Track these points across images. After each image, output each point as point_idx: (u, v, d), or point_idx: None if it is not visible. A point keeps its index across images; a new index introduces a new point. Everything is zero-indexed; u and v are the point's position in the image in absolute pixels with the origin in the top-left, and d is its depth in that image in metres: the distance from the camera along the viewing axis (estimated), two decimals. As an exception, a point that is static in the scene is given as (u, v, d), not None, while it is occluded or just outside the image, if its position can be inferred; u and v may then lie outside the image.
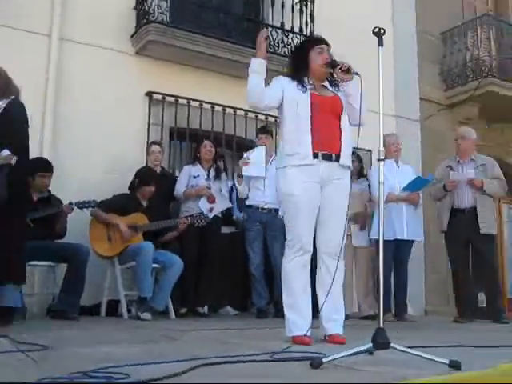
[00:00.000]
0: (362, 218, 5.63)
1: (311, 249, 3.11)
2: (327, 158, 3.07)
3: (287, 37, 6.68)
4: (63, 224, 4.70)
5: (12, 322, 3.66)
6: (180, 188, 5.37)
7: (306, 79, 3.19)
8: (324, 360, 2.14)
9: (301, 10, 6.91)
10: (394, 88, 8.01)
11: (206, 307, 5.32)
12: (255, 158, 5.19)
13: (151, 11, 5.89)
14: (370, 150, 6.84)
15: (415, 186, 5.25)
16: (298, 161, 3.05)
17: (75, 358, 2.31)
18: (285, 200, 3.13)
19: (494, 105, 8.23)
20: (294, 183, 3.05)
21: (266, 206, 5.25)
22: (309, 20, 6.92)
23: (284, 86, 3.17)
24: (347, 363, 2.22)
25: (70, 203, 4.70)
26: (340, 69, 3.09)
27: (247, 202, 5.33)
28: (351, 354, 2.25)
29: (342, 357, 2.21)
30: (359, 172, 5.76)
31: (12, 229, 3.48)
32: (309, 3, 6.97)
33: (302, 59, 3.24)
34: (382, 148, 2.53)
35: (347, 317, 4.98)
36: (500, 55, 8.54)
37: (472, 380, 1.93)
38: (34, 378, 1.72)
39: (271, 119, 6.63)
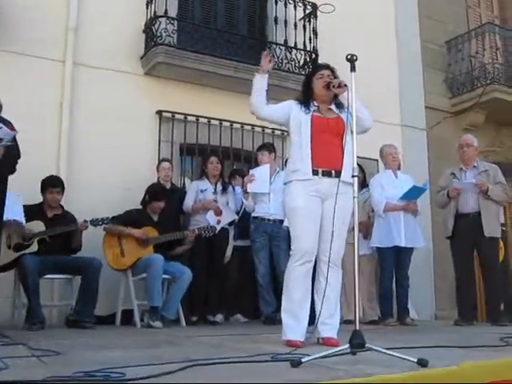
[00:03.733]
0: (364, 227, 5.80)
1: (313, 258, 3.34)
2: (327, 174, 3.31)
3: (291, 53, 6.91)
4: (79, 240, 4.97)
5: None
6: (188, 202, 5.64)
7: (311, 103, 3.48)
8: (303, 360, 2.37)
9: (304, 27, 7.14)
10: (399, 97, 8.17)
11: (219, 315, 5.50)
12: (260, 175, 5.44)
13: (159, 34, 6.18)
14: (376, 160, 7.03)
15: (411, 195, 5.39)
16: (300, 176, 3.32)
17: (82, 361, 2.57)
18: (289, 212, 3.43)
19: (501, 110, 8.37)
20: (298, 196, 3.32)
21: (270, 218, 5.46)
22: (312, 36, 7.11)
23: (292, 107, 3.48)
24: (326, 362, 2.43)
25: (85, 221, 4.93)
26: (333, 86, 3.36)
27: (253, 214, 5.55)
28: (327, 355, 2.47)
29: (319, 357, 2.44)
30: (362, 182, 5.92)
31: None
32: (312, 19, 7.19)
33: (307, 86, 3.58)
34: (355, 165, 2.75)
35: (351, 322, 5.20)
36: (505, 62, 8.66)
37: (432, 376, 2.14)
38: (42, 377, 1.99)
39: (278, 132, 6.89)
